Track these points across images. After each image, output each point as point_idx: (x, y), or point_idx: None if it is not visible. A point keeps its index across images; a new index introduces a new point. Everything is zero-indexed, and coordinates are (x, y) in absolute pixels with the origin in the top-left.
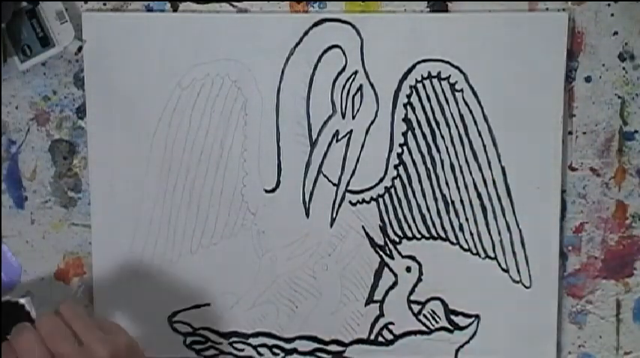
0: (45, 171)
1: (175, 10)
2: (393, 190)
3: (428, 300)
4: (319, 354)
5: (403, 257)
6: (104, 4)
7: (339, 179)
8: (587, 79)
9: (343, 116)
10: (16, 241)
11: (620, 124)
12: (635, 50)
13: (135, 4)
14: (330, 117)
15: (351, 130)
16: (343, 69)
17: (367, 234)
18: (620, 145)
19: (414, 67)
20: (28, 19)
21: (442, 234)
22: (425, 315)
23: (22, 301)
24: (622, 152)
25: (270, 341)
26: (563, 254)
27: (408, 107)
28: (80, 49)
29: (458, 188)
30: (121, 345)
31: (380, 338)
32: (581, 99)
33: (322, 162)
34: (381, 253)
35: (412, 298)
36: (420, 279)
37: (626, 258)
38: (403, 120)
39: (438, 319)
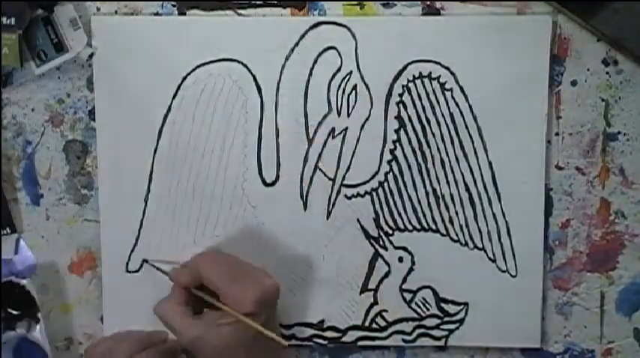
0: (59, 169)
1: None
2: (386, 184)
3: (419, 289)
4: (316, 340)
5: (396, 248)
6: (115, 12)
7: (335, 174)
8: (573, 83)
9: (339, 114)
10: (32, 236)
11: (604, 126)
12: (617, 56)
13: (144, 9)
14: (326, 115)
15: (347, 127)
16: (339, 69)
17: (362, 226)
18: (604, 145)
19: (405, 67)
20: (43, 25)
21: (433, 226)
22: (416, 303)
23: (23, 282)
24: (606, 152)
25: None
26: (550, 248)
27: (401, 106)
28: (92, 55)
29: (448, 182)
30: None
31: (374, 325)
32: (567, 102)
33: (319, 157)
34: (374, 244)
35: (404, 287)
36: (411, 269)
37: (610, 252)
38: (396, 118)
39: (428, 306)
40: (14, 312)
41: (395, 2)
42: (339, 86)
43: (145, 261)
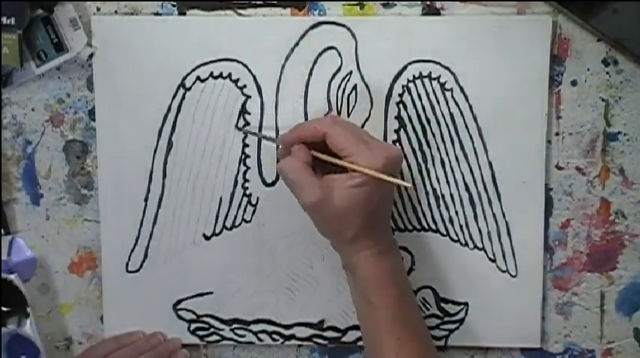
0: (59, 169)
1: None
2: None
3: (419, 289)
4: (316, 340)
5: None
6: (115, 12)
7: None
8: (573, 83)
9: (339, 114)
10: (32, 236)
11: (604, 126)
12: (617, 56)
13: (144, 9)
14: (326, 115)
15: None
16: (339, 69)
17: None
18: (604, 145)
19: (405, 67)
20: (43, 25)
21: (433, 226)
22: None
23: (10, 277)
24: (606, 152)
25: (270, 328)
26: (550, 248)
27: (401, 106)
28: (92, 55)
29: (448, 182)
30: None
31: None
32: (568, 102)
33: None
34: None
35: None
36: (411, 269)
37: (610, 252)
38: (396, 118)
39: (429, 306)
40: (4, 309)
41: (395, 2)
42: (339, 86)
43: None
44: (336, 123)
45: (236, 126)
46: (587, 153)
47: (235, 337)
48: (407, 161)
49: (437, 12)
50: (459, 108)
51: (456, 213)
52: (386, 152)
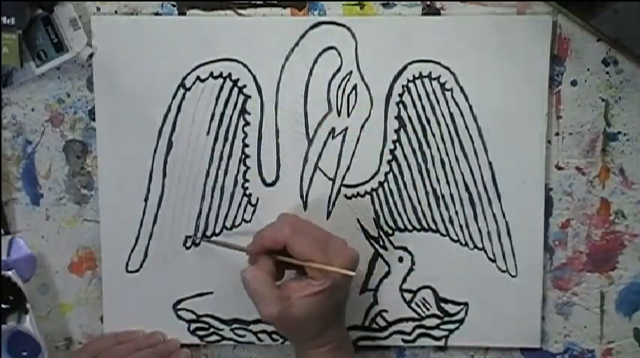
0: (59, 169)
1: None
2: (386, 184)
3: (419, 289)
4: None
5: (396, 248)
6: (115, 12)
7: (335, 174)
8: (573, 83)
9: (339, 114)
10: (32, 236)
11: (604, 126)
12: (617, 56)
13: (144, 9)
14: (326, 115)
15: (347, 127)
16: (339, 69)
17: (362, 226)
18: (604, 145)
19: (405, 67)
20: (43, 25)
21: (433, 226)
22: (416, 303)
23: (8, 273)
24: (606, 152)
25: (270, 328)
26: (550, 248)
27: (401, 106)
28: (92, 55)
29: (448, 182)
30: None
31: (374, 325)
32: (568, 102)
33: (319, 157)
34: (374, 244)
35: (404, 287)
36: (411, 269)
37: (610, 252)
38: (396, 118)
39: (428, 306)
40: (4, 306)
41: (395, 2)
42: (339, 86)
43: (206, 238)
44: (295, 232)
45: (203, 238)
46: (587, 153)
47: (235, 337)
48: (407, 161)
49: (437, 12)
50: (459, 108)
51: (456, 213)
52: (343, 255)
